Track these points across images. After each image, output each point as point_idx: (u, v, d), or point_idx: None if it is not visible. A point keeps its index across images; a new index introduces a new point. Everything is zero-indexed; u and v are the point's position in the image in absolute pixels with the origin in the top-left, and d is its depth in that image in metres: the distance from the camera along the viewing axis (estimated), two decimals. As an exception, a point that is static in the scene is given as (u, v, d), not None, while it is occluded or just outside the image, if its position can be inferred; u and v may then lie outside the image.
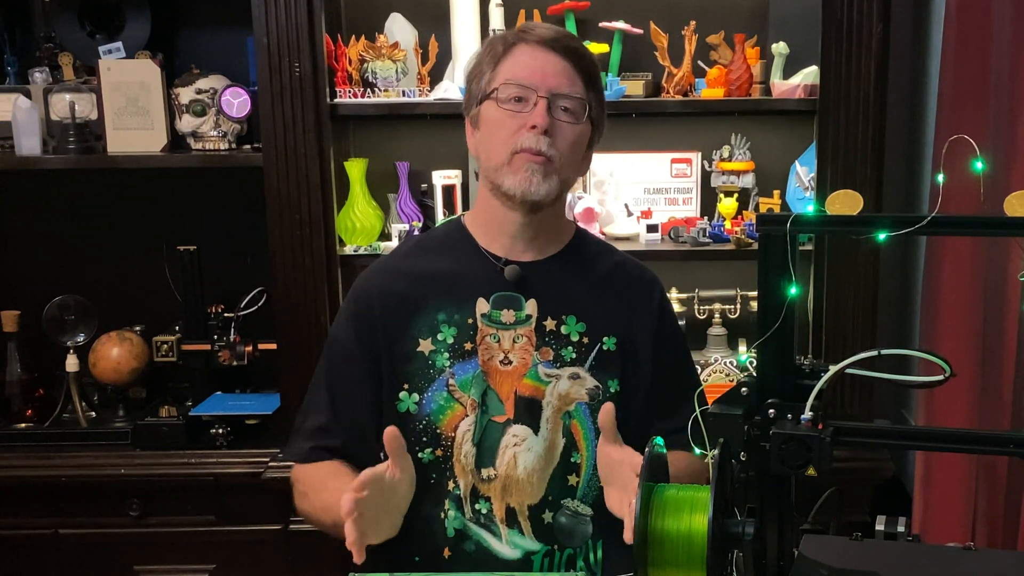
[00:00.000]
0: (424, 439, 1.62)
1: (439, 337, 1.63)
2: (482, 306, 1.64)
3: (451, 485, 1.62)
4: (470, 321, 1.63)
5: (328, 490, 1.58)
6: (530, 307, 1.64)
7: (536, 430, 1.62)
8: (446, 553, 1.62)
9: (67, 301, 2.69)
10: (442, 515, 1.62)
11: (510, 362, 1.62)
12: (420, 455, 1.62)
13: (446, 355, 1.63)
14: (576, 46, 1.63)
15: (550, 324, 1.64)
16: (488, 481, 1.61)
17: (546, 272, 1.66)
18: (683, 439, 1.08)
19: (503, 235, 1.66)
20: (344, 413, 1.67)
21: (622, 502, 1.42)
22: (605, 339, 1.64)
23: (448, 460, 1.62)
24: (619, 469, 1.46)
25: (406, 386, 1.62)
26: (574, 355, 1.64)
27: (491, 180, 1.62)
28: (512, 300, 1.64)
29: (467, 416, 1.62)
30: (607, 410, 1.50)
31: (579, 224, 1.81)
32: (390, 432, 1.47)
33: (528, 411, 1.62)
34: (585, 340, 1.64)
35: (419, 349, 1.63)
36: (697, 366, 2.01)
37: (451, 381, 1.62)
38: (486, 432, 1.62)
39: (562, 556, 1.62)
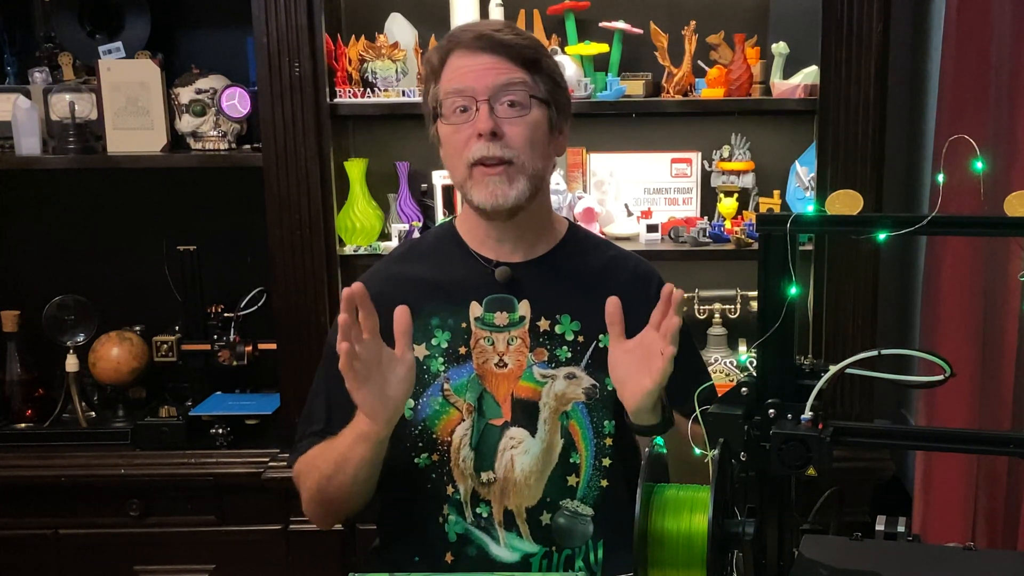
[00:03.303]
0: (420, 444, 1.61)
1: (433, 342, 1.63)
2: (475, 310, 1.63)
3: (450, 490, 1.61)
4: (464, 325, 1.63)
5: (331, 446, 1.57)
6: (523, 308, 1.64)
7: (533, 432, 1.61)
8: (448, 558, 1.61)
9: (67, 301, 2.69)
10: (441, 520, 1.61)
11: (505, 364, 1.62)
12: (416, 460, 1.61)
13: (440, 360, 1.62)
14: (504, 38, 1.59)
15: (544, 324, 1.64)
16: (488, 485, 1.61)
17: (537, 272, 1.66)
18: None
19: (490, 239, 1.66)
20: (341, 420, 1.66)
21: (640, 380, 1.42)
22: (601, 337, 1.63)
23: (445, 465, 1.61)
24: (639, 350, 1.45)
25: None
26: (569, 354, 1.63)
27: (461, 194, 1.64)
28: (505, 302, 1.64)
29: (463, 420, 1.61)
30: (613, 302, 1.48)
31: (573, 221, 1.79)
32: (400, 309, 1.46)
33: (525, 413, 1.61)
34: (580, 339, 1.64)
35: (413, 355, 1.62)
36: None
37: (446, 386, 1.62)
38: (484, 436, 1.61)
39: (560, 557, 1.62)
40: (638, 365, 1.45)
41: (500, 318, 1.63)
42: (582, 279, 1.68)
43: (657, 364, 1.41)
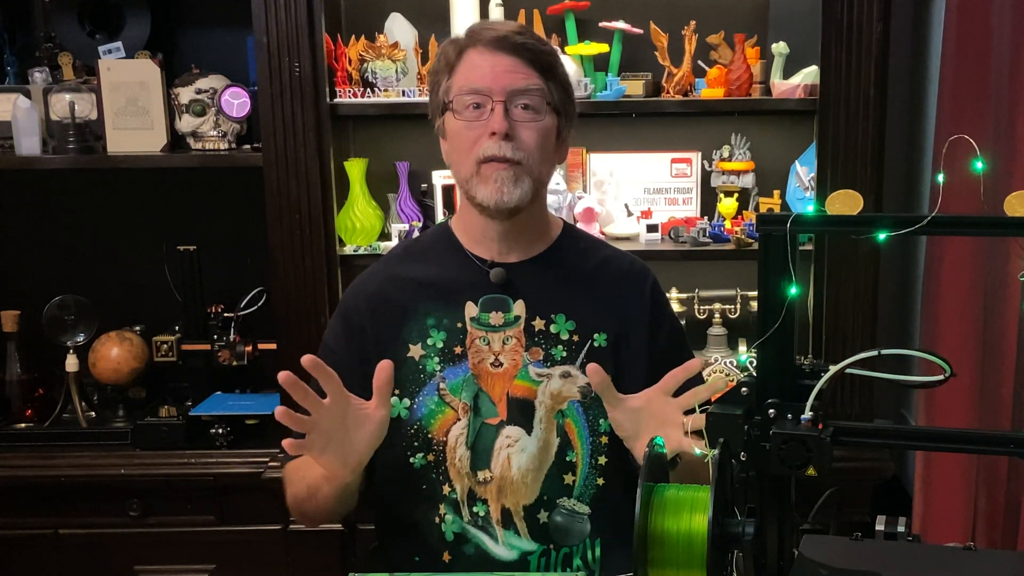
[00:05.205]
0: (415, 444, 1.62)
1: (428, 342, 1.63)
2: (470, 310, 1.64)
3: (446, 489, 1.62)
4: (459, 325, 1.64)
5: (306, 470, 1.59)
6: (518, 308, 1.64)
7: (529, 430, 1.61)
8: (446, 557, 1.62)
9: (67, 301, 2.69)
10: (437, 519, 1.62)
11: (500, 364, 1.62)
12: (411, 460, 1.62)
13: (436, 360, 1.63)
14: (525, 41, 1.60)
15: (539, 324, 1.64)
16: (484, 484, 1.61)
17: (532, 272, 1.66)
18: None
19: (486, 239, 1.66)
20: None
21: (667, 437, 1.39)
22: (596, 336, 1.64)
23: (441, 464, 1.62)
24: (647, 411, 1.47)
25: (396, 391, 1.61)
26: (564, 354, 1.63)
27: (464, 191, 1.63)
28: (500, 302, 1.64)
29: (459, 420, 1.62)
30: (594, 370, 1.48)
31: (568, 222, 1.80)
32: (383, 364, 1.47)
33: (521, 412, 1.62)
34: (575, 338, 1.64)
35: (409, 354, 1.63)
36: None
37: (442, 385, 1.62)
38: (480, 435, 1.61)
39: (558, 555, 1.62)
40: (651, 424, 1.47)
41: (495, 318, 1.64)
42: (577, 279, 1.69)
43: (675, 432, 1.40)
